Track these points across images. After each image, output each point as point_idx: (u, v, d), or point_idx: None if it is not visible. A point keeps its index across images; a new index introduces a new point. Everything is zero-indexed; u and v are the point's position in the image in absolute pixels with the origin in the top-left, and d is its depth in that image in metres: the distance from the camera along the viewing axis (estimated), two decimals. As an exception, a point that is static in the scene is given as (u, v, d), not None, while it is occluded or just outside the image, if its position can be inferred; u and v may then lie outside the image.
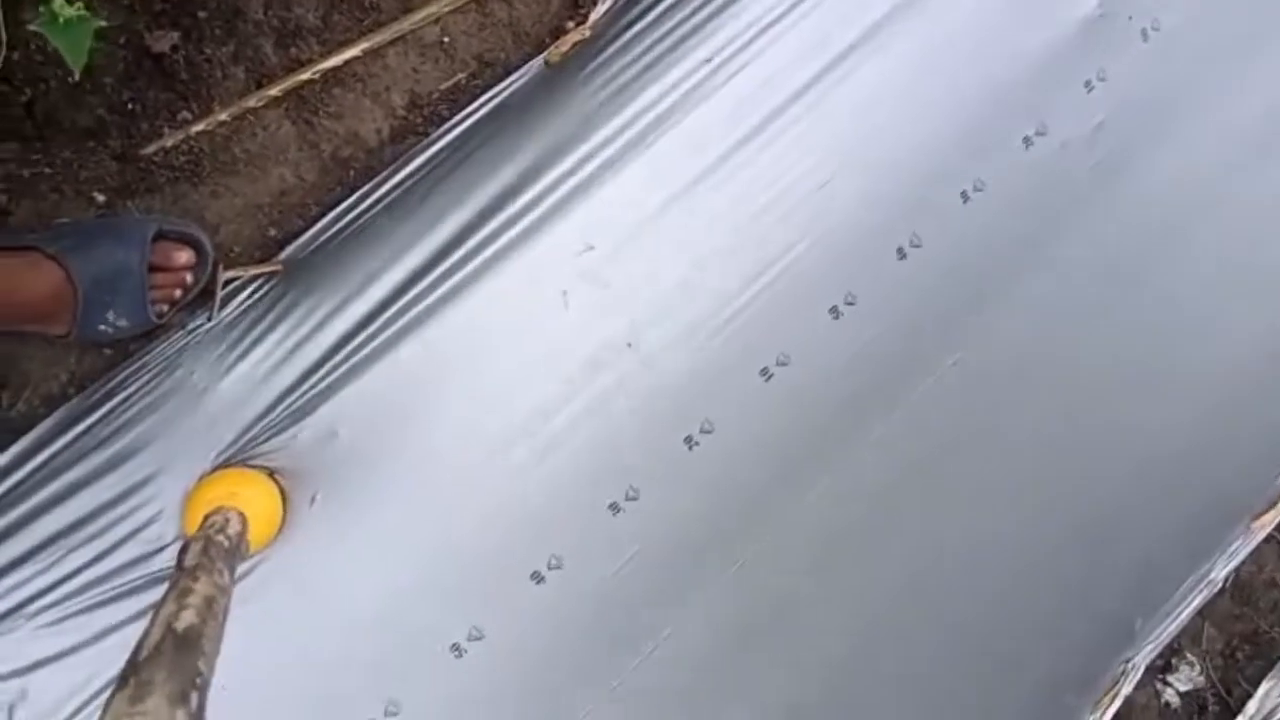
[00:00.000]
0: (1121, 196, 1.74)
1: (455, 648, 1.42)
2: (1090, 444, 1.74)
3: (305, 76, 1.47)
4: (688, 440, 1.52)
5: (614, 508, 1.48)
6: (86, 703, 1.29)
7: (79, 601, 1.30)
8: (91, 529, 1.31)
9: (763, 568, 1.56)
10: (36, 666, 1.28)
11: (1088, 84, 1.69)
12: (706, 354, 1.50)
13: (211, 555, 1.06)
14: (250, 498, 1.29)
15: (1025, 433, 1.68)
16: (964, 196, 1.62)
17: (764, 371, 1.55)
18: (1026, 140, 1.65)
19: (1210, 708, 2.22)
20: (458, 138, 1.50)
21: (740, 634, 1.55)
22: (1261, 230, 1.83)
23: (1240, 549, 2.12)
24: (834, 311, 1.57)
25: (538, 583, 1.45)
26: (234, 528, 1.19)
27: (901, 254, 1.59)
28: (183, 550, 1.09)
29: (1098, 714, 2.01)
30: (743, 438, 1.54)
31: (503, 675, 1.42)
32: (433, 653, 1.41)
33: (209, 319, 1.40)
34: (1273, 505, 2.12)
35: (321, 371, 1.38)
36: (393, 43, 1.51)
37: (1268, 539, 2.20)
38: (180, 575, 1.02)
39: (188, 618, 0.90)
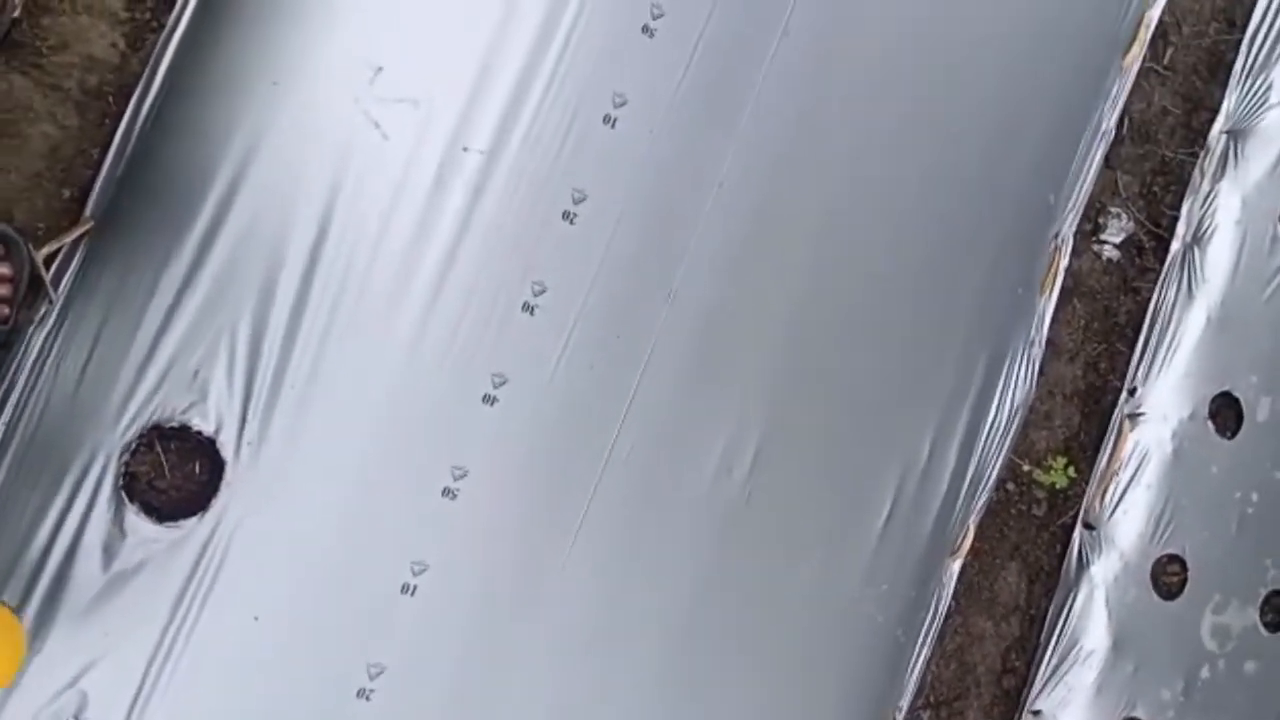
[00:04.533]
0: None
1: (447, 491, 1.46)
2: (949, 47, 1.74)
3: (9, 16, 1.32)
4: (566, 215, 1.50)
5: (527, 308, 1.48)
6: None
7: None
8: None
9: (695, 285, 1.59)
10: None
11: None
12: (544, 126, 1.45)
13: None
14: None
15: (884, 79, 1.66)
16: None
17: (607, 119, 1.51)
18: None
19: (1146, 245, 2.33)
20: (196, 11, 1.38)
21: (702, 343, 1.61)
22: None
23: (1120, 91, 2.16)
24: (647, 30, 1.51)
25: (493, 405, 1.47)
26: None
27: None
28: None
29: (1046, 294, 2.11)
30: (619, 191, 1.52)
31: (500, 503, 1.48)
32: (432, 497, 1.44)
33: (50, 302, 1.33)
34: (1133, 40, 2.15)
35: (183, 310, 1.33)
36: (78, -55, 1.36)
37: (1144, 72, 2.24)
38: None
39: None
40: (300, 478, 1.37)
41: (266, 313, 1.33)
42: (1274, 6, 2.36)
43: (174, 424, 1.33)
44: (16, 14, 1.33)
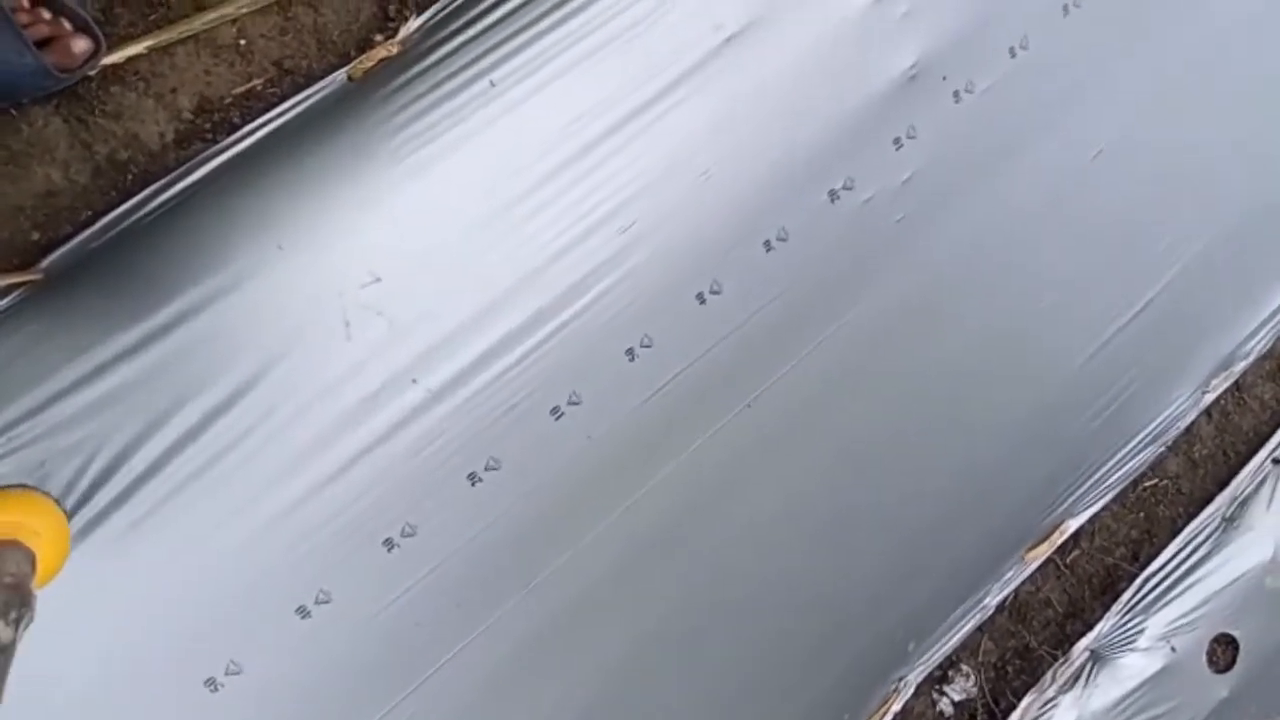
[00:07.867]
0: (925, 248, 1.81)
1: (210, 681, 1.40)
2: (872, 491, 1.84)
3: (85, 71, 1.37)
4: (471, 477, 1.52)
5: (388, 543, 1.48)
6: None
7: None
8: None
9: (554, 590, 1.60)
10: None
11: (897, 141, 1.75)
12: (494, 393, 1.50)
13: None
14: (37, 528, 1.17)
15: (808, 480, 1.75)
16: (767, 245, 1.66)
17: (554, 410, 1.56)
18: (832, 194, 1.70)
19: (979, 717, 2.40)
20: (249, 149, 1.43)
21: (529, 648, 1.60)
22: (1051, 286, 1.95)
23: (1014, 578, 2.29)
24: (630, 354, 1.59)
25: (304, 618, 1.44)
26: (19, 569, 1.06)
27: (701, 299, 1.62)
28: None
29: (870, 729, 2.15)
30: (531, 475, 1.55)
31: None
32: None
33: (-45, 328, 1.30)
34: (1045, 539, 2.29)
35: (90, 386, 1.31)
36: (182, 41, 1.43)
37: (1046, 561, 2.38)
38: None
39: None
40: (80, 615, 1.30)
41: (140, 444, 1.31)
42: (1172, 563, 2.54)
43: (-8, 501, 1.28)
44: (92, 73, 1.37)
